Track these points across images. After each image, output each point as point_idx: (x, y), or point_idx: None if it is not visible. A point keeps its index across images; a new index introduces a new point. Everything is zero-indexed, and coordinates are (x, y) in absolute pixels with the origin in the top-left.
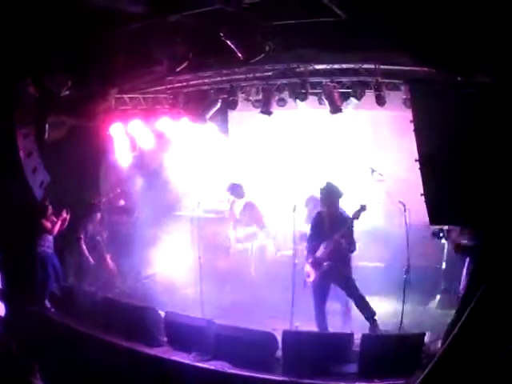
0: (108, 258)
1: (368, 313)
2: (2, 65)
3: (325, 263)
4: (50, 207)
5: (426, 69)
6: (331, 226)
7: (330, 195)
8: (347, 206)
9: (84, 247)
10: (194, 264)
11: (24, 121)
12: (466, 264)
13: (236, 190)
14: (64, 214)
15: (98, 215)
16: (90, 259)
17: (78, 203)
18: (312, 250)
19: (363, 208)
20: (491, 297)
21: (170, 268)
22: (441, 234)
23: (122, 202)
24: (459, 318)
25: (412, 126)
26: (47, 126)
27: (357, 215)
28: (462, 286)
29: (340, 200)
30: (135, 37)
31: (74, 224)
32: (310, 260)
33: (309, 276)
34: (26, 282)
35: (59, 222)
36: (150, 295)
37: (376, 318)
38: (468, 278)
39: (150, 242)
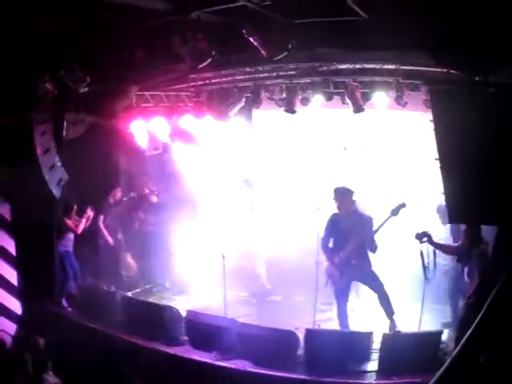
0: (128, 256)
1: (389, 310)
2: (20, 61)
3: (352, 262)
4: (75, 206)
5: (445, 70)
6: (352, 226)
7: (345, 197)
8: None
9: (103, 229)
10: (218, 263)
11: (42, 118)
12: (467, 269)
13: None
14: (88, 212)
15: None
16: (110, 240)
17: (96, 202)
18: (330, 250)
19: (403, 205)
20: (508, 295)
21: (193, 267)
22: (424, 239)
23: (154, 199)
24: (467, 317)
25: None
26: (65, 123)
27: (396, 212)
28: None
29: (354, 199)
30: (156, 33)
31: (93, 222)
32: (334, 260)
33: (331, 276)
34: (43, 280)
35: (83, 221)
36: (171, 294)
37: (395, 317)
38: (476, 279)
39: (174, 241)
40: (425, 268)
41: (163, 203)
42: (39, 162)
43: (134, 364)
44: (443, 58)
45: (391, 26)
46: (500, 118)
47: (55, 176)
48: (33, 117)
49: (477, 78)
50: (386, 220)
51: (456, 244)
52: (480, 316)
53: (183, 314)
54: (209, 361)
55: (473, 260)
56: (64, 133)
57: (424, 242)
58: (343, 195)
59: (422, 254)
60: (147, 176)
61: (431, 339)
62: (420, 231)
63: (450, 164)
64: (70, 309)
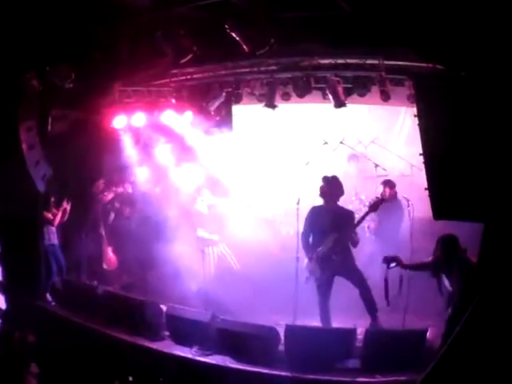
0: (110, 250)
1: (371, 305)
2: (5, 58)
3: (332, 257)
4: (52, 199)
5: (430, 64)
6: (333, 221)
7: (333, 189)
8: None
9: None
10: (198, 258)
11: (27, 114)
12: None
13: None
14: (64, 205)
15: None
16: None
17: (80, 196)
18: (310, 245)
19: (382, 200)
20: (494, 294)
21: (173, 262)
22: (392, 264)
23: (129, 189)
24: (456, 315)
25: (416, 121)
26: (50, 119)
27: (375, 207)
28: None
29: (340, 195)
30: (140, 29)
31: (76, 216)
32: (313, 256)
33: (312, 272)
34: (28, 275)
35: (60, 213)
36: (152, 289)
37: (378, 313)
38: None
39: (152, 236)
40: (387, 295)
41: (137, 196)
42: (24, 158)
43: (115, 359)
44: (428, 52)
45: (375, 21)
46: (485, 112)
47: (40, 171)
48: (18, 113)
49: (462, 73)
50: (365, 215)
51: (430, 258)
52: (467, 315)
53: (164, 308)
54: (189, 356)
55: (454, 272)
56: (49, 129)
57: (392, 267)
58: (334, 186)
59: (386, 281)
60: (125, 170)
61: (416, 337)
62: (389, 255)
63: (434, 159)
64: (53, 303)
